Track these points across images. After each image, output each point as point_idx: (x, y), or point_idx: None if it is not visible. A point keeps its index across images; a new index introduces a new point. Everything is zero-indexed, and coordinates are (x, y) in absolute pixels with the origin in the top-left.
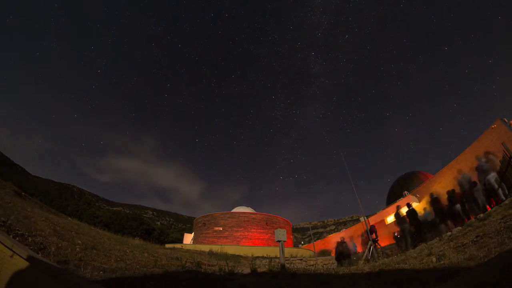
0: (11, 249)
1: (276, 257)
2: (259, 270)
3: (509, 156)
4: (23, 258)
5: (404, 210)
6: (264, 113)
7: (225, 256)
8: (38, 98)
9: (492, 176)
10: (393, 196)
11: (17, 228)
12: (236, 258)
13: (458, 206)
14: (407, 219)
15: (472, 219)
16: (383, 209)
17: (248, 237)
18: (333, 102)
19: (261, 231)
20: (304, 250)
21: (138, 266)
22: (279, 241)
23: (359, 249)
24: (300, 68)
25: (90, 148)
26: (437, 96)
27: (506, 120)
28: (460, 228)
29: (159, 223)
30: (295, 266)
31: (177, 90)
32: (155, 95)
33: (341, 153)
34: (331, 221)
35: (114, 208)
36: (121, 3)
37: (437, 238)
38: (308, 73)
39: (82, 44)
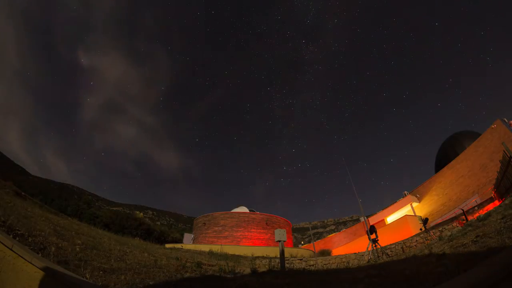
0: (11, 249)
1: (276, 257)
2: (259, 270)
3: (509, 156)
4: (24, 259)
5: None
6: (261, 105)
7: (225, 256)
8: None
9: None
10: (441, 162)
11: (17, 228)
12: (236, 258)
13: None
14: None
15: (472, 218)
16: (383, 209)
17: (248, 237)
18: (328, 88)
19: (261, 231)
20: (304, 250)
21: (138, 266)
22: (279, 241)
23: None
24: (292, 57)
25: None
26: (433, 81)
27: (506, 120)
28: (460, 228)
29: (159, 223)
30: (295, 266)
31: (171, 92)
32: (150, 100)
33: (342, 158)
34: (331, 221)
35: (114, 208)
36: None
37: (437, 238)
38: (301, 62)
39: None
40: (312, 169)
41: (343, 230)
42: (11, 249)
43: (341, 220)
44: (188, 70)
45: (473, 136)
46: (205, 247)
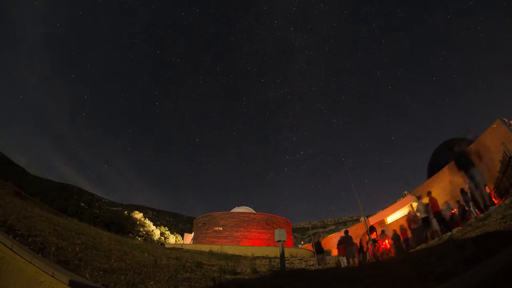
0: (11, 249)
1: (276, 257)
2: (259, 270)
3: (509, 156)
4: (24, 259)
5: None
6: (257, 97)
7: (225, 256)
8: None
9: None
10: (433, 169)
11: (17, 228)
12: (236, 258)
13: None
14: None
15: (472, 219)
16: (383, 209)
17: (248, 237)
18: (322, 73)
19: (261, 231)
20: (304, 250)
21: (138, 266)
22: (279, 241)
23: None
24: (282, 46)
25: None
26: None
27: (506, 120)
28: (460, 228)
29: (159, 223)
30: (295, 266)
31: (166, 95)
32: (146, 105)
33: (343, 158)
34: (331, 221)
35: (114, 208)
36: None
37: (437, 239)
38: (291, 50)
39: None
40: (315, 156)
41: (343, 230)
42: (11, 249)
43: (341, 220)
44: (180, 70)
45: (464, 143)
46: (205, 247)
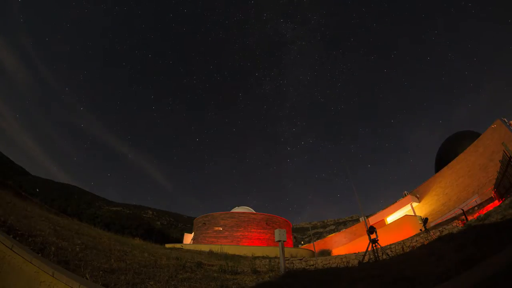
0: (11, 249)
1: (276, 257)
2: (259, 270)
3: (509, 156)
4: (24, 259)
5: None
6: (253, 92)
7: (225, 256)
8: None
9: None
10: (444, 158)
11: (17, 228)
12: (236, 258)
13: None
14: None
15: (472, 218)
16: (383, 209)
17: (248, 237)
18: (316, 61)
19: (261, 231)
20: (304, 250)
21: (138, 266)
22: (279, 241)
23: None
24: (274, 38)
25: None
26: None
27: (506, 120)
28: (460, 227)
29: (159, 223)
30: (295, 266)
31: (163, 98)
32: (143, 109)
33: (342, 159)
34: (331, 221)
35: (114, 208)
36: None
37: (437, 238)
38: (283, 41)
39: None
40: (316, 144)
41: (343, 230)
42: (11, 249)
43: (341, 220)
44: (173, 72)
45: (474, 136)
46: (205, 247)
